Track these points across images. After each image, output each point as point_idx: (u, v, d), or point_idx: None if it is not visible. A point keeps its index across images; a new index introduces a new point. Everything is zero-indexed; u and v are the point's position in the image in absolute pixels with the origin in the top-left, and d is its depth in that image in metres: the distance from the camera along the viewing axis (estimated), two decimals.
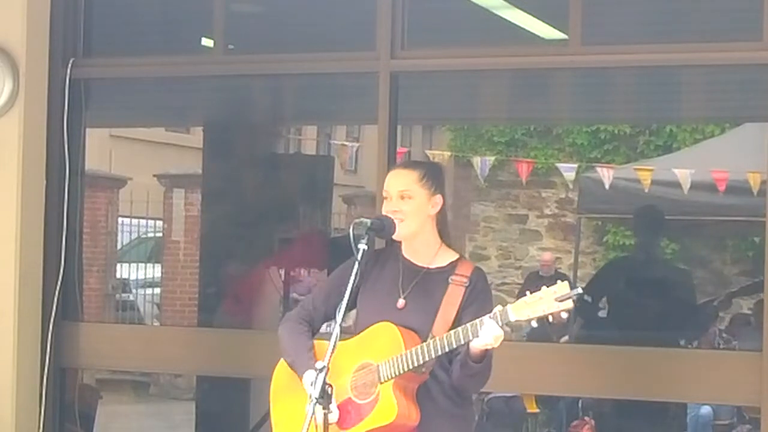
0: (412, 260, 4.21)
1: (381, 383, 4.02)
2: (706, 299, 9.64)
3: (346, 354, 4.05)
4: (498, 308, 3.91)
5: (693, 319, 7.44)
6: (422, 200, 4.17)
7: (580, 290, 3.85)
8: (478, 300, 4.13)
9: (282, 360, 4.29)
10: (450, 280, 4.14)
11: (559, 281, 3.89)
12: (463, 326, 3.94)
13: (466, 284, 4.13)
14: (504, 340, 3.94)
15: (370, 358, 4.07)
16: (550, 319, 3.90)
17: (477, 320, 3.92)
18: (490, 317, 3.89)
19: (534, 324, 3.89)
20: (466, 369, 3.99)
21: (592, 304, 7.35)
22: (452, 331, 3.96)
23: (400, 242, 4.22)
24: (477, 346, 3.91)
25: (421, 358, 3.98)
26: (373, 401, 4.03)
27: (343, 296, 4.09)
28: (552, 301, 3.84)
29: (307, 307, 4.32)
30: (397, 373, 3.99)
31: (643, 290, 6.99)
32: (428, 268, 4.19)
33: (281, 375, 4.29)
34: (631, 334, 6.59)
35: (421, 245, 4.20)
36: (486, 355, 3.96)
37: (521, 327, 4.50)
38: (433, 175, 4.22)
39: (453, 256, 4.22)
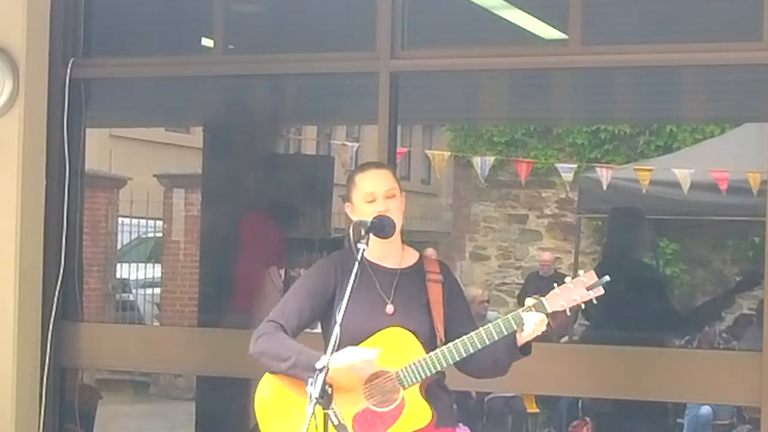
0: (380, 263, 4.15)
1: (404, 389, 3.98)
2: (706, 299, 9.64)
3: None
4: (530, 301, 3.94)
5: (679, 319, 7.41)
6: (400, 198, 4.16)
7: (608, 278, 3.92)
8: (459, 293, 4.21)
9: (261, 383, 4.17)
10: (426, 279, 4.15)
11: (581, 271, 3.96)
12: (494, 323, 3.95)
13: (441, 281, 4.15)
14: None
15: (385, 366, 3.99)
16: (582, 306, 3.97)
17: (510, 316, 3.94)
18: (524, 311, 3.93)
19: (568, 313, 3.95)
20: (509, 358, 4.04)
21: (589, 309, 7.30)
22: (482, 329, 3.95)
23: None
24: (526, 338, 3.95)
25: (450, 359, 3.97)
26: (398, 407, 3.99)
27: (317, 305, 4.10)
28: (583, 289, 3.91)
29: (278, 320, 4.12)
30: (422, 377, 3.97)
31: (623, 292, 6.95)
32: (401, 269, 4.16)
33: (267, 396, 4.17)
34: (628, 335, 6.57)
35: (394, 247, 4.16)
36: (530, 347, 4.02)
37: None
38: (396, 173, 4.24)
39: (415, 254, 4.23)
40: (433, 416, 3.99)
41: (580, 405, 9.77)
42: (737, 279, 13.56)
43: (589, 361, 5.63)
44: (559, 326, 10.77)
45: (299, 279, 4.34)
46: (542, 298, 3.93)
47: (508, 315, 3.95)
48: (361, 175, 4.17)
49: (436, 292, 4.12)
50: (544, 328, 3.94)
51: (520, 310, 3.94)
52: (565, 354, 6.01)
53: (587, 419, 9.59)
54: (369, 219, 4.03)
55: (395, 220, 4.08)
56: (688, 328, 8.38)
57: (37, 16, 6.31)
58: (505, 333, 3.93)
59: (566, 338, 10.17)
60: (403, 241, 4.22)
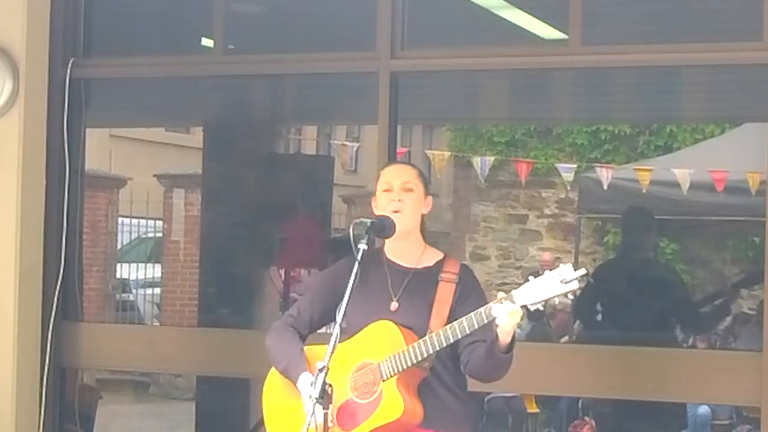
0: (398, 262, 4.23)
1: (383, 381, 4.03)
2: (707, 296, 9.62)
3: (342, 356, 4.03)
4: (501, 294, 3.92)
5: (692, 318, 7.43)
6: (420, 196, 4.23)
7: (584, 270, 3.85)
8: (473, 293, 4.18)
9: (271, 372, 4.30)
10: (440, 278, 4.17)
11: (561, 264, 3.89)
12: (466, 317, 3.95)
13: (456, 281, 4.17)
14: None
15: (370, 358, 4.08)
16: (557, 301, 3.91)
17: (481, 309, 3.93)
18: (494, 303, 3.90)
19: (540, 307, 3.90)
20: (493, 360, 3.98)
21: (590, 309, 7.31)
22: (455, 323, 3.97)
23: (382, 245, 4.25)
24: (501, 333, 3.89)
25: (425, 351, 4.00)
26: (376, 400, 4.04)
27: (330, 302, 4.19)
28: (557, 283, 3.84)
29: (293, 314, 4.34)
30: (399, 370, 4.01)
31: (634, 291, 6.96)
32: (416, 269, 4.21)
33: (274, 386, 4.29)
34: (629, 335, 6.58)
35: (410, 245, 4.23)
36: (513, 345, 3.96)
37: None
38: (425, 176, 4.30)
39: (439, 255, 4.26)
40: (404, 411, 4.01)
41: (580, 405, 9.78)
42: (739, 277, 13.58)
43: (589, 361, 5.63)
44: (558, 326, 10.81)
45: (317, 276, 4.42)
46: (512, 292, 3.90)
47: (480, 308, 3.94)
48: (386, 168, 4.34)
49: (446, 291, 4.15)
50: (518, 320, 3.89)
51: (491, 303, 3.92)
52: (565, 354, 6.01)
53: (587, 419, 9.60)
54: (368, 220, 4.10)
55: (408, 215, 4.16)
56: (701, 325, 8.38)
57: (37, 16, 6.31)
58: (477, 326, 3.93)
59: (566, 338, 10.18)
60: (426, 243, 4.27)
